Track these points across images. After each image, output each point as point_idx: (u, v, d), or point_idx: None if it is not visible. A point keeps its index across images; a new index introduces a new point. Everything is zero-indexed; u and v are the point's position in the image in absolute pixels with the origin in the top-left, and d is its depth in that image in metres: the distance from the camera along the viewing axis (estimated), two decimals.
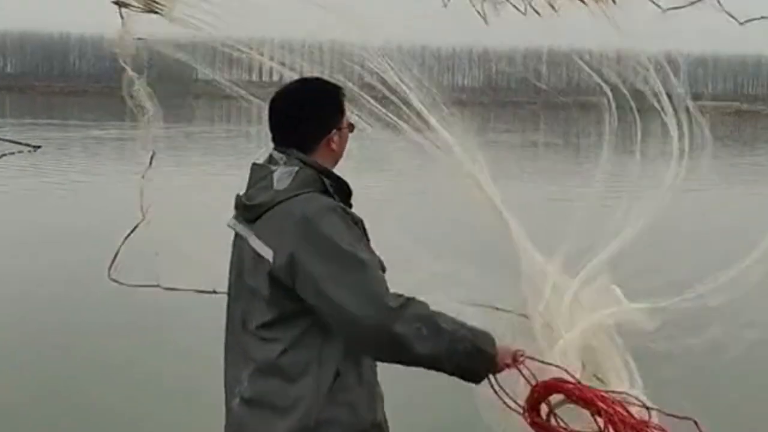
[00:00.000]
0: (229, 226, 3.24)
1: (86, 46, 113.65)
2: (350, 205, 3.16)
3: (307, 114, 3.18)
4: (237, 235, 3.20)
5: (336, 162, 3.26)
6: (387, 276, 3.02)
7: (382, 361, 3.09)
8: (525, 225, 3.62)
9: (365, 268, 2.93)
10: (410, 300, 2.93)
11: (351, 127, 3.30)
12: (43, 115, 51.71)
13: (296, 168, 3.09)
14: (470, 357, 2.97)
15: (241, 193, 3.20)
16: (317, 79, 3.43)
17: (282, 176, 3.07)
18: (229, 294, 3.25)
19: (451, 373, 3.02)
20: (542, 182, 23.27)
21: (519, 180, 23.05)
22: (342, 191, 3.14)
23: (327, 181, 3.10)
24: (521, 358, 3.12)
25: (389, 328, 2.86)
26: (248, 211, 3.12)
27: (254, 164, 3.19)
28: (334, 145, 3.21)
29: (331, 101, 3.24)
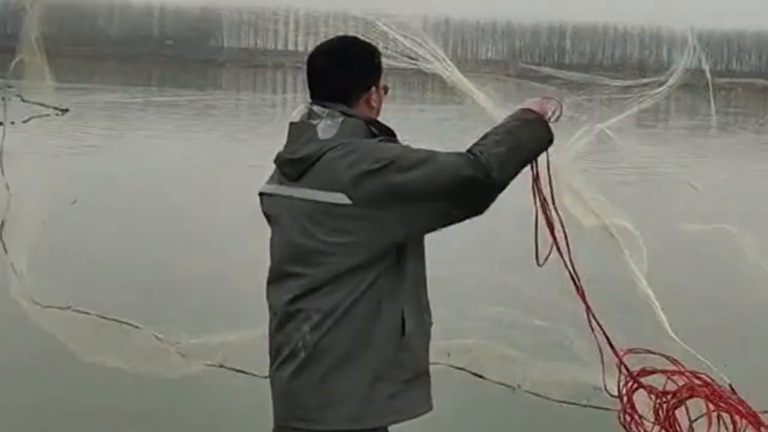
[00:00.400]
0: (263, 193, 3.23)
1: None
2: None
3: (348, 69, 3.20)
4: (273, 206, 3.18)
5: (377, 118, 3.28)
6: None
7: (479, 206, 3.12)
8: None
9: (437, 153, 3.02)
10: (478, 151, 3.03)
11: (386, 89, 3.31)
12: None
13: (341, 119, 3.09)
14: (532, 135, 3.17)
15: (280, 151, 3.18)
16: (355, 37, 3.44)
17: (327, 127, 3.07)
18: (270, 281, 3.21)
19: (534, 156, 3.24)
20: None
21: None
22: (389, 135, 3.15)
23: (373, 129, 3.11)
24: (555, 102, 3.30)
25: (491, 178, 3.00)
26: (292, 166, 3.09)
27: (292, 123, 3.16)
28: (373, 102, 3.22)
29: (370, 58, 3.26)
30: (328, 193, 3.00)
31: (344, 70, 3.20)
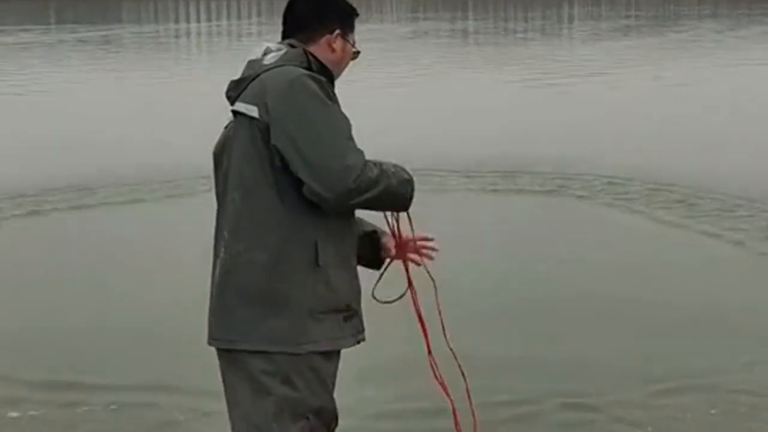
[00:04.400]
0: (227, 127, 3.25)
1: None
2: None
3: (313, 6, 3.28)
4: (226, 128, 3.23)
5: (338, 70, 3.29)
6: None
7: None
8: None
9: (337, 135, 3.02)
10: (364, 170, 3.00)
11: (357, 53, 3.36)
12: None
13: (285, 49, 3.18)
14: (397, 193, 3.15)
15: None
16: None
17: (271, 57, 3.15)
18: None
19: (385, 207, 3.25)
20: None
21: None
22: (325, 75, 3.17)
23: (312, 61, 3.16)
24: None
25: (346, 202, 3.01)
26: (234, 89, 3.17)
27: (249, 59, 3.22)
28: (335, 46, 3.26)
29: (342, 7, 3.33)
30: (249, 105, 3.06)
31: (312, 4, 3.27)
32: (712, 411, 5.04)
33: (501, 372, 5.49)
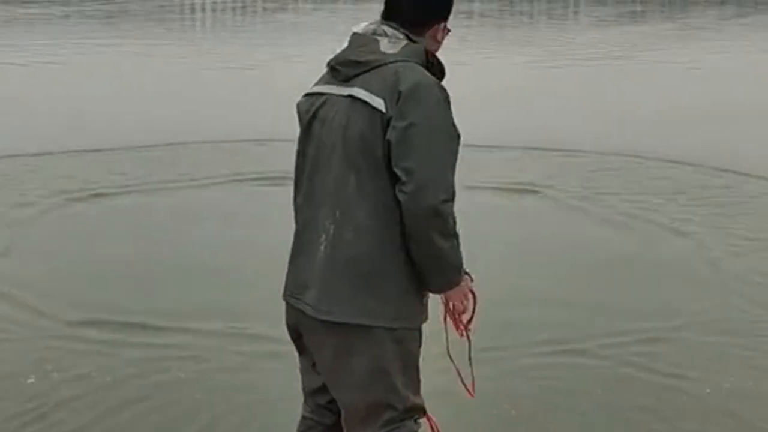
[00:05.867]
0: (310, 93, 3.31)
1: None
2: None
3: None
4: (319, 101, 3.26)
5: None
6: None
7: (413, 231, 3.17)
8: None
9: (453, 153, 3.12)
10: (453, 202, 3.12)
11: (448, 30, 3.37)
12: None
13: (405, 42, 3.19)
14: (446, 269, 3.22)
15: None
16: None
17: (390, 44, 3.17)
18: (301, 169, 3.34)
19: (429, 270, 3.21)
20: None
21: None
22: (441, 73, 3.25)
23: (431, 59, 3.21)
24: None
25: (440, 207, 3.06)
26: (350, 67, 3.18)
27: (355, 33, 3.25)
28: (439, 37, 3.31)
29: None
30: (374, 97, 3.08)
31: None
32: None
33: None
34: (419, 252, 3.13)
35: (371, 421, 3.28)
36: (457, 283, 3.27)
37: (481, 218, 7.94)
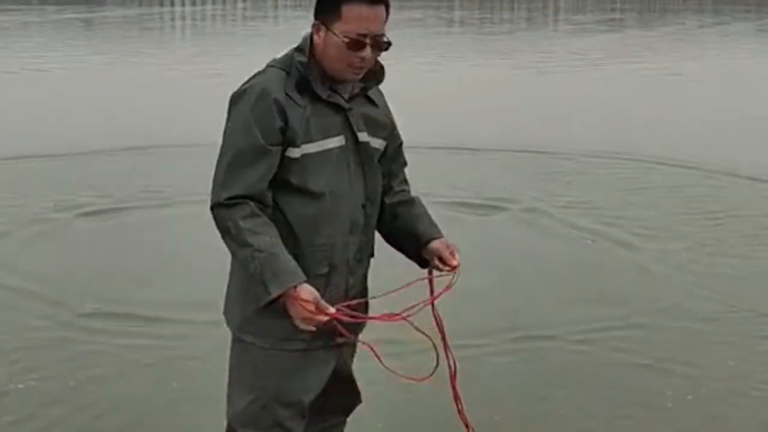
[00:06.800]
0: None
1: None
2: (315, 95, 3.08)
3: None
4: None
5: (329, 62, 3.05)
6: None
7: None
8: None
9: (227, 155, 3.03)
10: (241, 204, 2.98)
11: (352, 43, 2.99)
12: None
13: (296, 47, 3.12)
14: (255, 279, 2.99)
15: None
16: None
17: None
18: None
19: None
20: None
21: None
22: (303, 82, 3.06)
23: (298, 66, 3.06)
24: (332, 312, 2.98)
25: (213, 212, 3.05)
26: None
27: None
28: (317, 38, 3.05)
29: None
30: None
31: None
32: None
33: None
34: None
35: None
36: (269, 296, 2.95)
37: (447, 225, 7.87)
